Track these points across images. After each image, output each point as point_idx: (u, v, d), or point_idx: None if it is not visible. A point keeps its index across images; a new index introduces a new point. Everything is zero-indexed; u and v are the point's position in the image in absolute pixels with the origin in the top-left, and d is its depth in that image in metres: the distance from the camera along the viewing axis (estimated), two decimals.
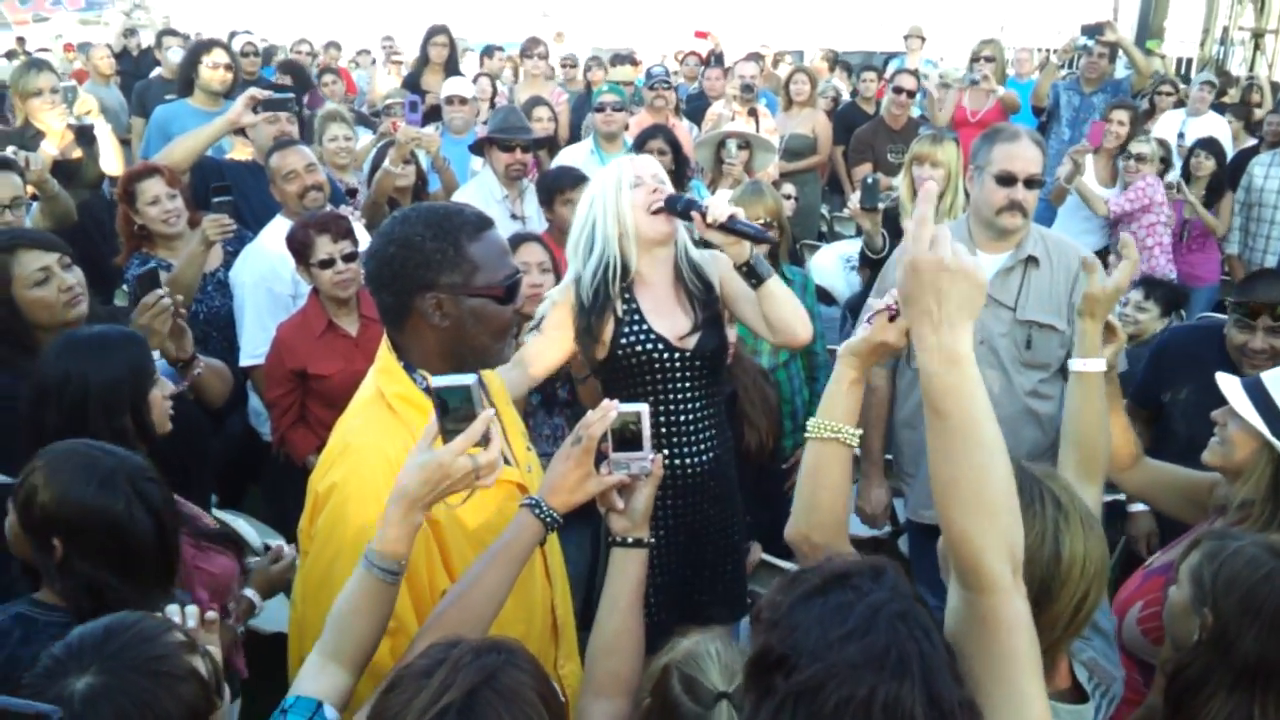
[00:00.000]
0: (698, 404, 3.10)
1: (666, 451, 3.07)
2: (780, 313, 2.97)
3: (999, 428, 1.48)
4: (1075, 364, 2.51)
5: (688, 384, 3.07)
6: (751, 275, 2.95)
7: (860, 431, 2.00)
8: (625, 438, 1.94)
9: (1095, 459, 2.39)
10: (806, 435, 2.01)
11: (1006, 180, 3.39)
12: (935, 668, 1.27)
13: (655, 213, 2.95)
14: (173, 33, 8.31)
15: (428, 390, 2.12)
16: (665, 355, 3.02)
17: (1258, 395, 2.45)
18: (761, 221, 3.96)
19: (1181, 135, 8.24)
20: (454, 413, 1.77)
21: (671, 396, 3.06)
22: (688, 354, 3.03)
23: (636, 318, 3.02)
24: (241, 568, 2.69)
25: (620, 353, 3.02)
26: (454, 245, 2.05)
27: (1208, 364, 2.89)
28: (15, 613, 2.06)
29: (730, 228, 2.85)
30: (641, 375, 3.04)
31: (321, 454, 2.15)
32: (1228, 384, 2.53)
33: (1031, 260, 3.47)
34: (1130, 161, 6.55)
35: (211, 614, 1.77)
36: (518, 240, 3.94)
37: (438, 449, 1.77)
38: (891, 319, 1.91)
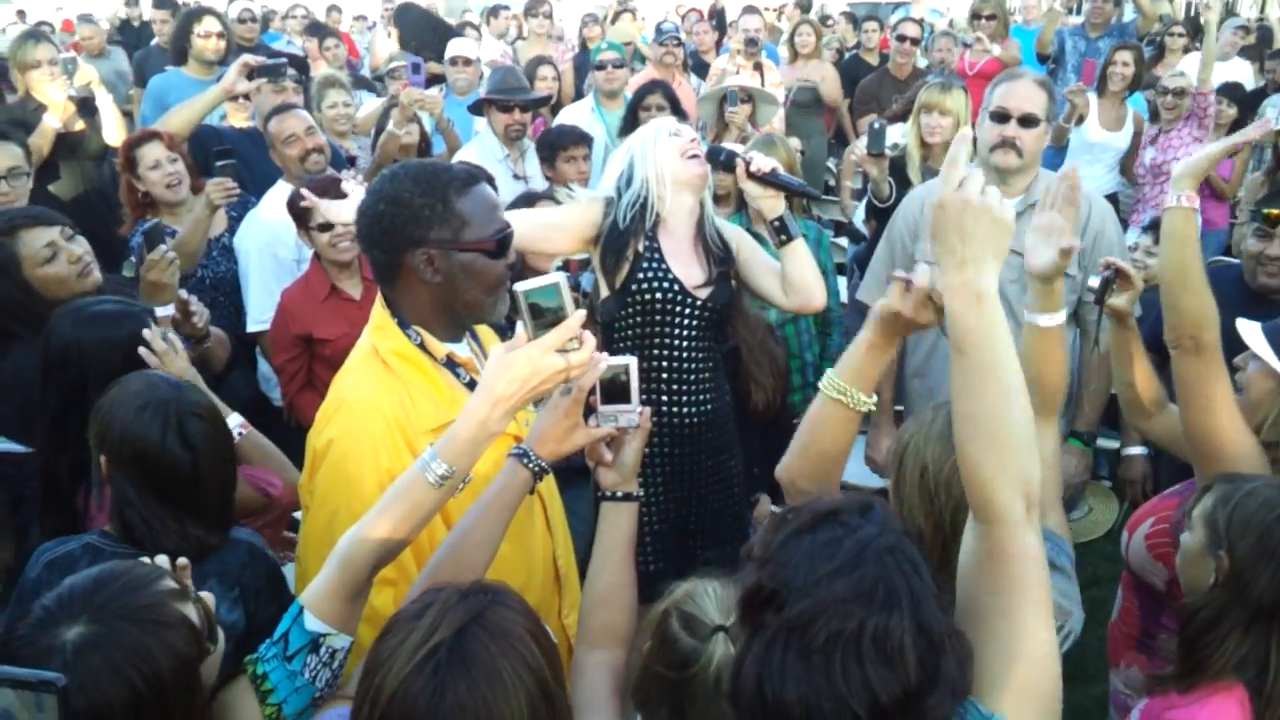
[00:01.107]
0: (700, 354, 3.15)
1: (665, 399, 3.13)
2: (802, 272, 3.02)
3: (1019, 366, 1.50)
4: (1042, 319, 2.33)
5: (693, 333, 3.11)
6: (782, 231, 2.99)
7: (874, 399, 1.98)
8: (613, 390, 1.93)
9: (1053, 401, 2.38)
10: (820, 386, 2.00)
11: (1000, 117, 3.37)
12: (923, 599, 1.29)
13: (690, 159, 3.03)
14: (164, 3, 8.21)
15: (422, 346, 2.13)
16: (678, 299, 3.07)
17: (1278, 340, 2.43)
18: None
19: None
20: (543, 316, 1.66)
21: (676, 343, 3.11)
22: (699, 302, 3.09)
23: (656, 257, 3.07)
24: None
25: (635, 288, 3.07)
26: (442, 201, 2.05)
27: (1218, 297, 2.88)
28: (85, 542, 2.12)
29: (772, 180, 2.90)
30: (651, 316, 3.08)
31: (319, 411, 2.17)
32: (1248, 329, 2.52)
33: None
34: (1168, 97, 6.38)
35: (183, 560, 1.76)
36: (529, 200, 3.93)
37: (528, 345, 1.66)
38: (906, 288, 1.88)
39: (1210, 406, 2.41)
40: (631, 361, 1.94)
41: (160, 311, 3.09)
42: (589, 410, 1.94)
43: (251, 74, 4.57)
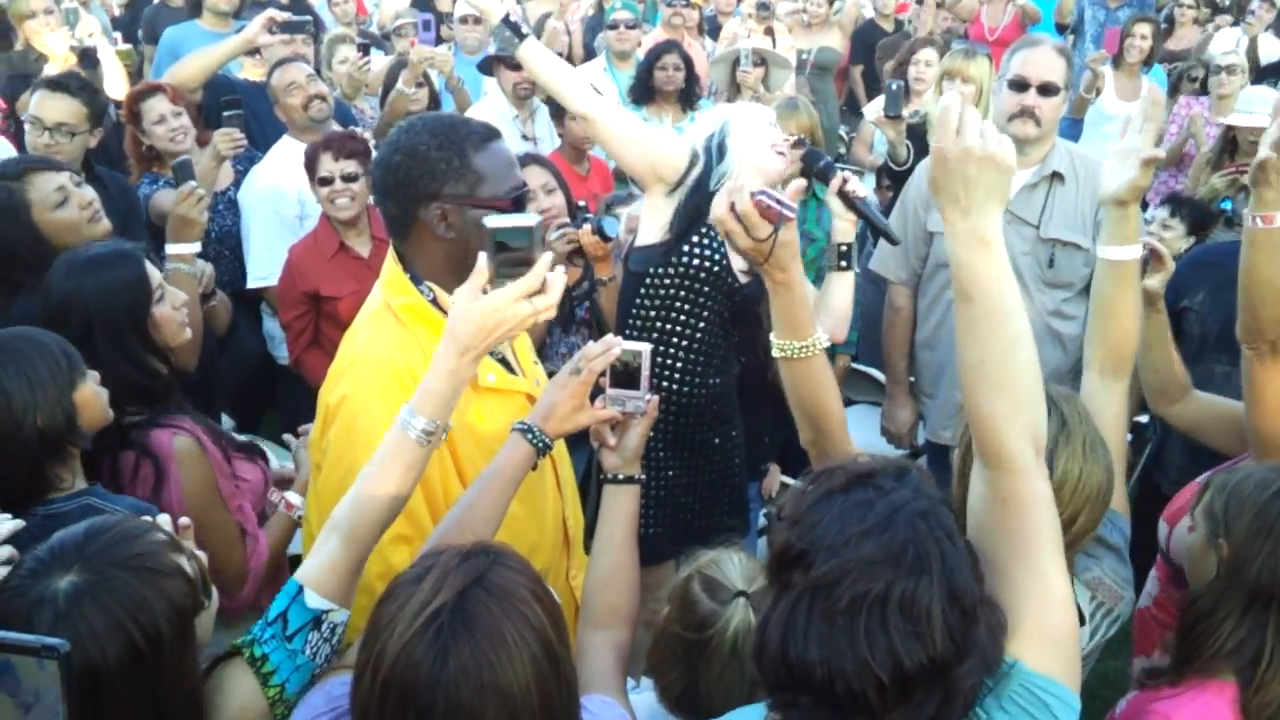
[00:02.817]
0: (720, 334, 3.16)
1: (680, 366, 3.12)
2: (839, 303, 2.99)
3: (1025, 312, 1.47)
4: (1111, 251, 2.23)
5: (719, 311, 3.12)
6: (843, 258, 2.96)
7: (817, 336, 1.97)
8: (624, 375, 1.93)
9: (1124, 354, 2.27)
10: (776, 356, 2.00)
11: (1019, 85, 3.32)
12: (956, 566, 1.28)
13: (776, 154, 3.01)
14: None
15: (434, 302, 2.09)
16: (719, 276, 3.07)
17: None
18: (795, 139, 3.90)
19: None
20: (509, 256, 1.65)
21: (701, 314, 3.11)
22: (736, 286, 3.10)
23: (715, 234, 3.04)
24: (266, 477, 2.69)
25: (687, 248, 3.05)
26: (459, 155, 2.02)
27: (1224, 269, 2.84)
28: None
29: (858, 206, 2.85)
30: (690, 286, 3.07)
31: (330, 367, 2.13)
32: None
33: (1057, 176, 3.39)
34: (1221, 75, 6.17)
35: (185, 520, 1.73)
36: (521, 162, 3.88)
37: (493, 294, 1.65)
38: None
39: None
40: (645, 349, 1.93)
41: (186, 249, 3.09)
42: (597, 391, 1.94)
43: (274, 28, 4.51)
